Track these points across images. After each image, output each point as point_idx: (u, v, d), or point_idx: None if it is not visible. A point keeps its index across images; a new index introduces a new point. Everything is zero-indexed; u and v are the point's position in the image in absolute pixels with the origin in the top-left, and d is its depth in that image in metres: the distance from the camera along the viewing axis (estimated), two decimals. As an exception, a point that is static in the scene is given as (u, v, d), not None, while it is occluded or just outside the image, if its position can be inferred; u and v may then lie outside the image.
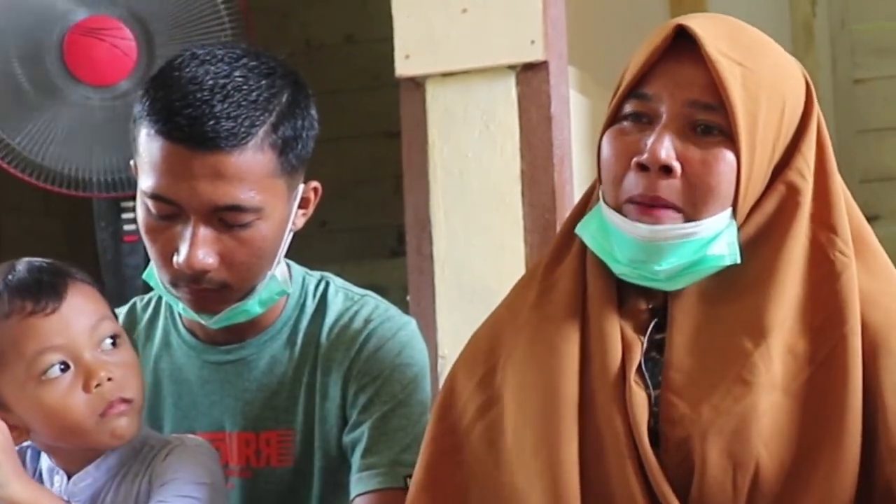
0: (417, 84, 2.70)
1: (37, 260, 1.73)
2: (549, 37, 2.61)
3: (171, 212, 1.73)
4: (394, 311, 1.88)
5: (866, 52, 4.27)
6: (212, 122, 1.68)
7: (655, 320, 1.58)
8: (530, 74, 2.62)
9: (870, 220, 1.63)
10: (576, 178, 2.70)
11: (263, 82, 1.74)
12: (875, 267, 1.57)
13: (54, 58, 2.66)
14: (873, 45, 4.26)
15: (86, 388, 1.65)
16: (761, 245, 1.55)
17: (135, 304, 1.98)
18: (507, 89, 2.64)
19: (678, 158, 1.51)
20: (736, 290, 1.54)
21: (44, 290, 1.67)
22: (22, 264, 1.71)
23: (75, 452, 1.71)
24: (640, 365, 1.55)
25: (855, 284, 1.52)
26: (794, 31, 4.23)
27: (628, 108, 1.56)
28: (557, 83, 2.64)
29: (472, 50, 2.64)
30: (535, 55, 2.61)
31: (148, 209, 1.75)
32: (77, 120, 2.69)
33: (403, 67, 2.69)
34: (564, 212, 2.61)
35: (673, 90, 1.53)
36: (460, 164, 2.67)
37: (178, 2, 2.60)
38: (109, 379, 1.66)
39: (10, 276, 1.69)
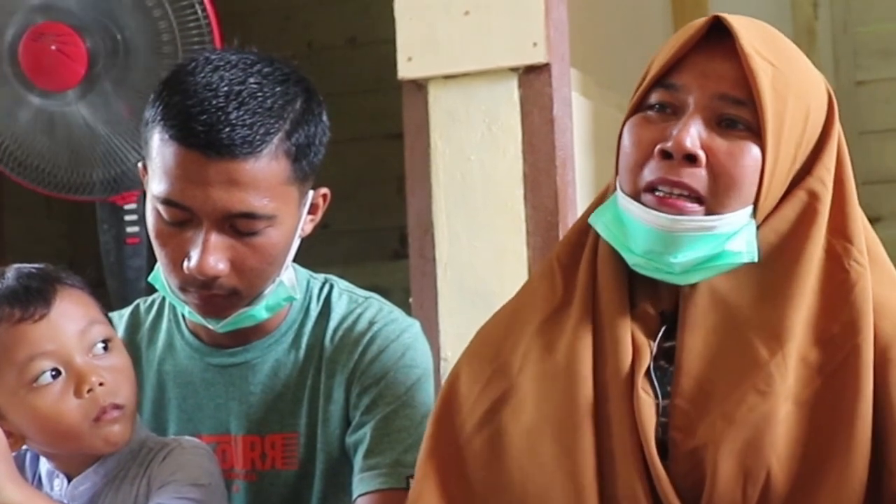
0: (420, 86, 2.70)
1: (26, 266, 1.73)
2: (551, 39, 2.61)
3: (183, 217, 1.72)
4: (398, 313, 1.89)
5: (868, 54, 4.27)
6: (227, 130, 1.68)
7: (665, 327, 1.57)
8: (533, 77, 2.62)
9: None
10: (578, 180, 2.69)
11: (278, 89, 1.74)
12: (885, 278, 1.56)
13: (6, 60, 2.67)
14: (875, 47, 4.26)
15: (77, 394, 1.65)
16: (780, 251, 1.54)
17: (138, 305, 1.98)
18: (510, 92, 2.64)
19: (703, 148, 1.51)
20: (752, 296, 1.53)
21: (32, 297, 1.67)
22: (11, 271, 1.72)
23: (73, 456, 1.71)
24: (648, 371, 1.54)
25: (869, 295, 1.51)
26: (796, 33, 4.23)
27: (654, 97, 1.55)
28: (560, 86, 2.64)
29: (475, 52, 2.64)
30: (538, 57, 2.61)
31: (159, 214, 1.74)
32: (27, 121, 2.70)
33: (406, 70, 2.70)
34: (567, 214, 2.61)
35: (703, 82, 1.52)
36: (462, 166, 2.67)
37: (130, 14, 2.60)
38: (101, 384, 1.66)
39: None
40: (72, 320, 1.68)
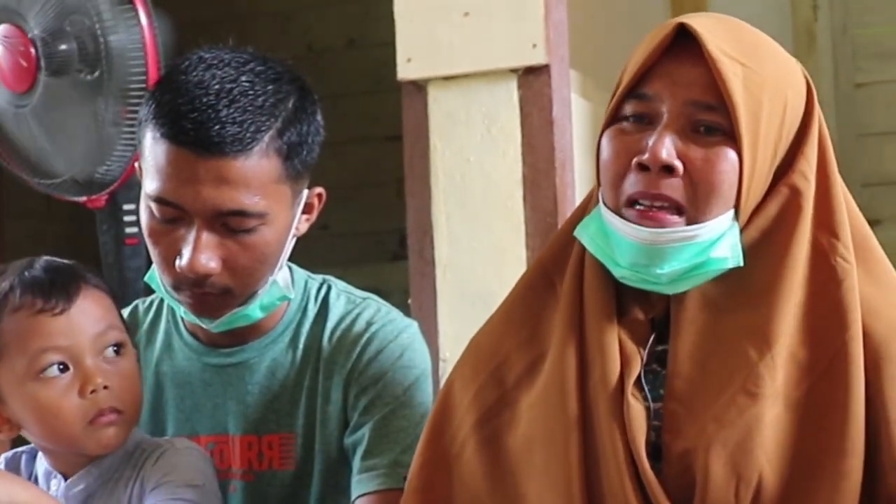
0: (419, 87, 2.70)
1: (56, 260, 1.75)
2: (550, 40, 2.62)
3: (174, 215, 1.73)
4: (395, 313, 1.88)
5: (868, 57, 4.27)
6: (217, 127, 1.69)
7: (656, 332, 1.56)
8: (532, 78, 2.63)
9: (871, 224, 1.61)
10: (577, 182, 2.70)
11: (270, 87, 1.74)
12: (878, 275, 1.55)
13: None
14: (874, 49, 4.26)
15: (81, 393, 1.66)
16: (765, 249, 1.53)
17: (136, 306, 1.98)
18: (509, 93, 2.64)
19: (679, 157, 1.49)
20: (740, 297, 1.52)
21: (55, 290, 1.68)
22: (41, 262, 1.73)
23: (69, 455, 1.72)
24: (639, 377, 1.53)
25: (856, 291, 1.50)
26: (795, 35, 4.23)
27: (628, 108, 1.54)
28: (559, 87, 2.64)
29: (474, 53, 2.65)
30: (537, 59, 2.62)
31: (151, 212, 1.75)
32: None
33: (405, 71, 2.70)
34: (566, 216, 2.60)
35: (673, 90, 1.51)
36: (462, 167, 2.68)
37: (111, 18, 2.61)
38: (105, 387, 1.67)
39: (26, 272, 1.70)
40: (90, 320, 1.69)
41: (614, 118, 1.56)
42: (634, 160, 1.51)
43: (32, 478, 1.77)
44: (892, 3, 4.24)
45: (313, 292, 1.90)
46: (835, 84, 4.20)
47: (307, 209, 1.83)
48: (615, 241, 1.53)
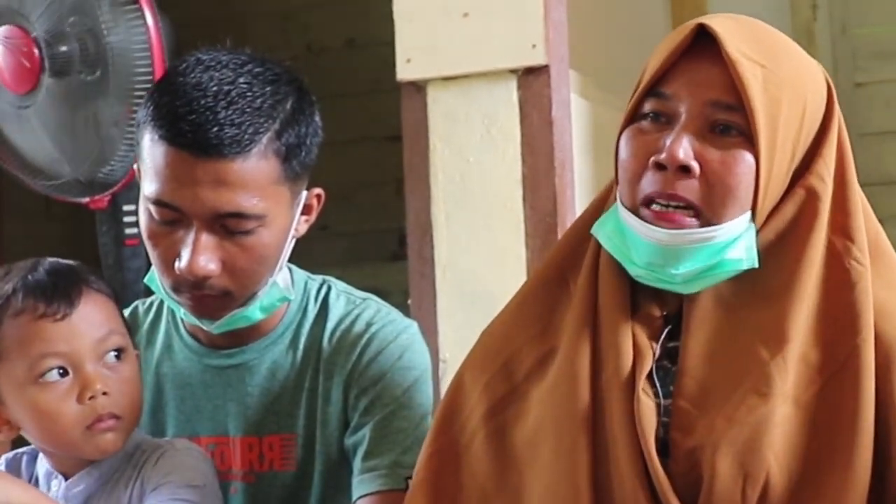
0: (419, 88, 2.70)
1: (60, 262, 1.74)
2: (550, 41, 2.62)
3: (173, 217, 1.73)
4: (395, 314, 1.89)
5: (867, 56, 4.27)
6: (215, 129, 1.68)
7: (669, 328, 1.56)
8: (532, 78, 2.63)
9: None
10: (577, 182, 2.70)
11: (268, 89, 1.74)
12: (890, 277, 1.55)
13: None
14: (874, 48, 4.26)
15: (79, 399, 1.66)
16: (780, 251, 1.53)
17: (136, 307, 1.98)
18: (509, 93, 2.64)
19: (697, 158, 1.49)
20: (754, 298, 1.52)
21: (57, 295, 1.67)
22: (44, 264, 1.72)
23: (69, 456, 1.72)
24: (650, 373, 1.53)
25: (870, 294, 1.50)
26: (795, 34, 4.23)
27: (647, 107, 1.54)
28: (559, 87, 2.64)
29: (474, 54, 2.65)
30: (537, 59, 2.61)
31: (150, 214, 1.75)
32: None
33: (405, 71, 2.70)
34: (566, 216, 2.61)
35: (693, 90, 1.51)
36: (461, 168, 2.68)
37: (112, 19, 2.61)
38: (105, 393, 1.67)
39: (29, 276, 1.70)
40: (91, 326, 1.68)
41: (633, 117, 1.56)
42: (652, 159, 1.51)
43: (33, 479, 1.77)
44: (891, 3, 4.24)
45: (313, 293, 1.90)
46: (834, 84, 4.19)
47: (306, 210, 1.83)
48: (631, 240, 1.53)
